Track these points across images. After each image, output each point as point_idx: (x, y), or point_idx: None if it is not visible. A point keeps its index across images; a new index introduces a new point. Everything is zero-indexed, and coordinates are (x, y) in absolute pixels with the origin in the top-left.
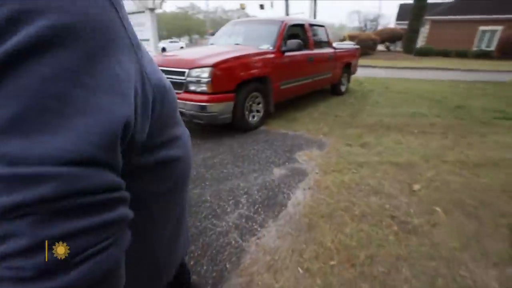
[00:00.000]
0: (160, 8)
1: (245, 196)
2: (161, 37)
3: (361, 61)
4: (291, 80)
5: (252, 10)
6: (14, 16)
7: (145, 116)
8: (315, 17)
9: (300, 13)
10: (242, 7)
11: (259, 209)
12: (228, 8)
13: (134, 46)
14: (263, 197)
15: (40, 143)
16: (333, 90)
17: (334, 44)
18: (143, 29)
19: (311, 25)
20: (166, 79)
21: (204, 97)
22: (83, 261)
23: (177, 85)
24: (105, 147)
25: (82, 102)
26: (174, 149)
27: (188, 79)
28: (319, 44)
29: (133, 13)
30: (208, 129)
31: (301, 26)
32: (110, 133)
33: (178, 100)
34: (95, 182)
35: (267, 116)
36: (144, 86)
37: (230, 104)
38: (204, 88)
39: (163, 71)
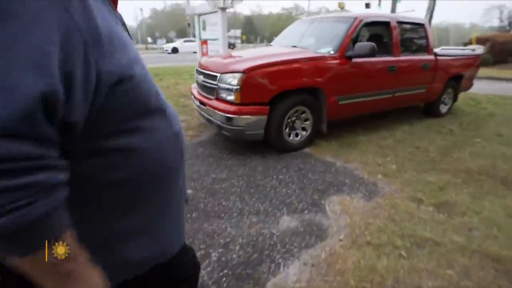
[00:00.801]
0: (232, 7)
1: (221, 249)
2: (254, 39)
3: (492, 72)
4: (357, 95)
5: (358, 10)
6: None
7: (84, 94)
8: (431, 17)
9: (409, 11)
10: (341, 6)
11: (224, 279)
12: (333, 8)
13: (83, 30)
14: (241, 259)
15: None
16: (427, 109)
17: (439, 49)
18: (216, 28)
19: (401, 22)
20: (142, 68)
21: (231, 108)
22: (8, 213)
23: (210, 90)
24: (17, 120)
25: None
26: (135, 140)
27: (220, 84)
28: (411, 48)
29: (207, 13)
30: (244, 142)
31: (384, 24)
32: (21, 108)
33: (208, 107)
34: (8, 152)
35: (318, 136)
36: (87, 69)
37: (262, 118)
38: (232, 97)
39: (203, 73)
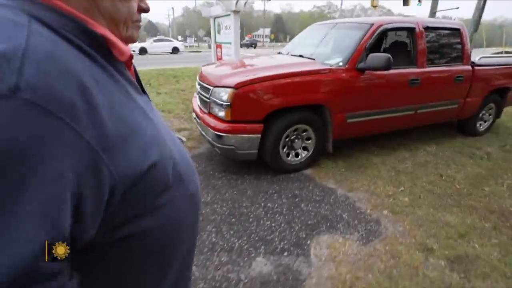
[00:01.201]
0: (245, 10)
1: None
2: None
3: None
4: (370, 112)
5: (396, 8)
6: None
7: (96, 213)
8: (481, 15)
9: (453, 9)
10: (373, 5)
11: None
12: (368, 5)
13: (93, 143)
14: None
15: None
16: (461, 126)
17: (477, 58)
18: (229, 32)
19: (429, 28)
20: (161, 144)
21: (222, 125)
22: None
23: (205, 103)
24: (13, 276)
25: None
26: (151, 220)
27: (212, 98)
28: (442, 58)
29: (222, 16)
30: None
31: (408, 30)
32: (18, 268)
33: (201, 122)
34: None
35: (324, 154)
36: (99, 183)
37: (255, 137)
38: (223, 113)
39: (200, 85)
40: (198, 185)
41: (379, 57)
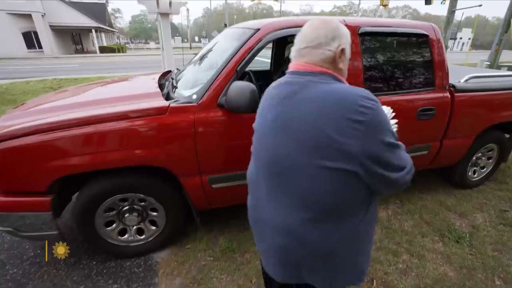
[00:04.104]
0: (171, 11)
1: None
2: None
3: None
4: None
5: (423, 7)
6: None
7: None
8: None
9: (475, 7)
10: (383, 4)
11: None
12: (393, 4)
13: None
14: None
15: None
16: (444, 174)
17: (465, 78)
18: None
19: (369, 35)
20: None
21: None
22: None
23: None
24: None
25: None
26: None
27: None
28: (396, 82)
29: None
30: None
31: None
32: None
33: None
34: None
35: (208, 226)
36: None
37: (40, 216)
38: None
39: None
40: None
41: (239, 89)
